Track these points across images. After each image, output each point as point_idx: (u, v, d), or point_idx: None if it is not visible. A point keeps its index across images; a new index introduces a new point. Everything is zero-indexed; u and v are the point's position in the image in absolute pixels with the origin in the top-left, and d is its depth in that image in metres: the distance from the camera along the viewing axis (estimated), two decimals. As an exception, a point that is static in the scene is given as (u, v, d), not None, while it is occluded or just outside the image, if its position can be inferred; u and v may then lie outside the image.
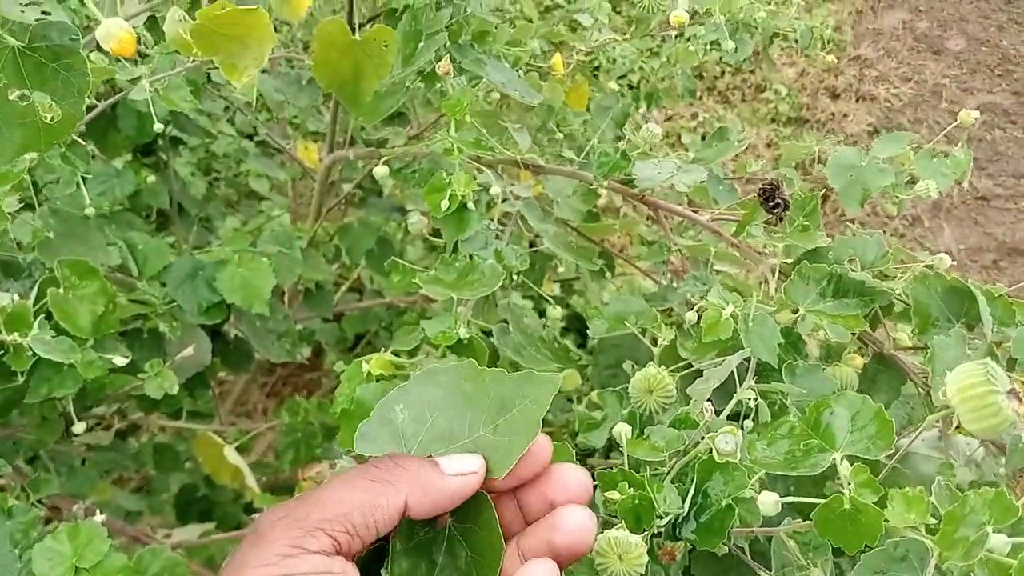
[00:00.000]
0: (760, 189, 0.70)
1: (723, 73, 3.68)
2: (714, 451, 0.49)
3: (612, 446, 0.82)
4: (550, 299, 0.90)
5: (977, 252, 3.32)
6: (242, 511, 1.29)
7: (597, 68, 3.00)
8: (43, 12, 0.58)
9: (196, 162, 2.41)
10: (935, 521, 0.41)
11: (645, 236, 1.37)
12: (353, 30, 1.09)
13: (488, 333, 0.82)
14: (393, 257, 1.65)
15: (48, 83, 0.49)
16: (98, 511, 0.82)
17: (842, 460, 0.44)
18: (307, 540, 0.39)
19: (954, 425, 0.45)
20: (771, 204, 0.69)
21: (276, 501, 1.14)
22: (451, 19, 0.85)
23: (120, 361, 0.84)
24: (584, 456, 0.91)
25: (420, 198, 1.67)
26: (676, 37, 1.50)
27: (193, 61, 1.02)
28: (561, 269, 1.33)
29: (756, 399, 0.57)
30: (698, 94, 3.73)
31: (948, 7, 4.28)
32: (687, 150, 1.47)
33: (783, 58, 3.76)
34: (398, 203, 1.77)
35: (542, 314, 2.28)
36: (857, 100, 3.73)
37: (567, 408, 0.94)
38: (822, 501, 0.43)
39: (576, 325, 2.39)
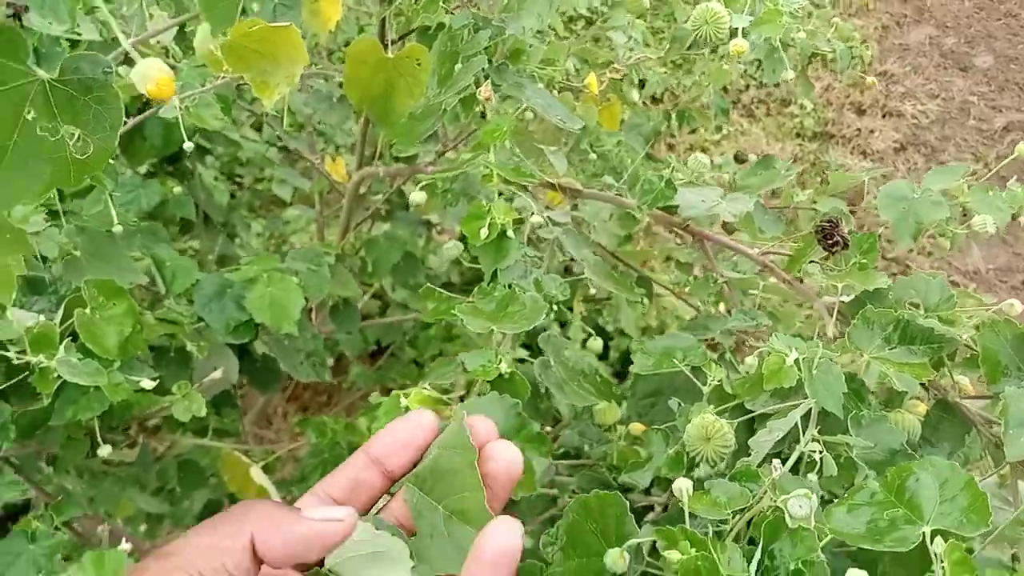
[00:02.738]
0: (818, 226, 0.67)
1: (748, 87, 3.65)
2: (786, 515, 0.46)
3: (652, 483, 0.79)
4: (588, 329, 0.87)
5: (1006, 272, 3.27)
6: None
7: (621, 81, 2.97)
8: (74, 32, 0.56)
9: (219, 167, 2.40)
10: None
11: (676, 255, 1.34)
12: (385, 47, 1.07)
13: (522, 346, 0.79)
14: (419, 278, 1.62)
15: (79, 117, 0.46)
16: (123, 538, 0.80)
17: (932, 535, 0.40)
18: None
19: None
20: (830, 242, 0.66)
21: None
22: (489, 41, 0.83)
23: (148, 384, 0.82)
24: (623, 491, 0.88)
25: (447, 213, 1.64)
26: (709, 53, 1.48)
27: (223, 78, 1.00)
28: (592, 290, 1.30)
29: (821, 452, 0.54)
30: (721, 107, 3.70)
31: (975, 23, 4.23)
32: (720, 168, 1.44)
33: (809, 72, 3.72)
34: (425, 217, 1.75)
35: (562, 325, 2.25)
36: (884, 116, 3.69)
37: (604, 439, 0.91)
38: (909, 579, 0.40)
39: (603, 337, 2.36)
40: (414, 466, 0.45)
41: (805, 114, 3.49)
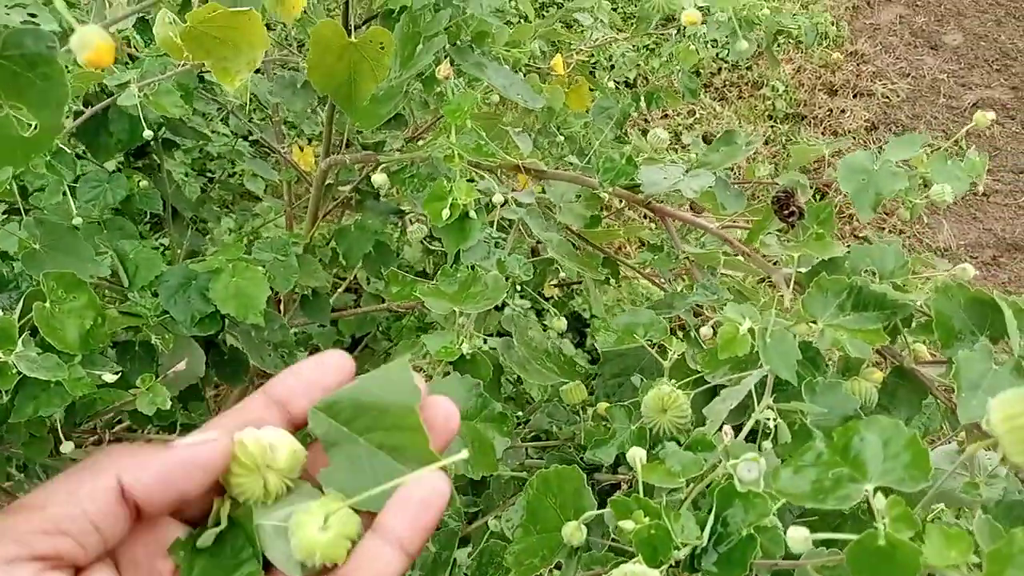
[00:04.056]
0: (774, 197, 0.68)
1: (720, 70, 3.65)
2: (735, 479, 0.46)
3: (619, 461, 0.79)
4: (554, 311, 0.88)
5: (976, 248, 3.30)
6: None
7: (594, 67, 2.97)
8: (29, 15, 0.55)
9: (190, 162, 2.38)
10: (977, 560, 0.39)
11: (647, 238, 1.35)
12: (349, 32, 1.06)
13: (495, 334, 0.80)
14: (392, 267, 1.62)
15: (24, 94, 0.46)
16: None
17: (875, 492, 0.41)
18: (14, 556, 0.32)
19: (999, 456, 0.42)
20: (786, 212, 0.67)
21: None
22: (450, 21, 0.82)
23: (109, 378, 0.81)
24: (591, 470, 0.88)
25: (419, 201, 1.64)
26: (676, 35, 1.48)
27: (184, 65, 0.99)
28: (563, 273, 1.30)
29: (776, 419, 0.54)
30: (695, 91, 3.70)
31: (945, 2, 4.26)
32: (687, 149, 1.44)
33: (780, 55, 3.73)
34: (396, 206, 1.74)
35: (540, 313, 2.25)
36: (855, 96, 3.71)
37: (572, 420, 0.91)
38: (854, 537, 0.40)
39: (576, 324, 2.36)
40: None
41: (777, 96, 3.51)
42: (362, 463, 0.36)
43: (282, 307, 1.45)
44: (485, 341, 0.82)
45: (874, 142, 3.54)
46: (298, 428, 0.38)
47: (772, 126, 3.53)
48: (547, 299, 1.84)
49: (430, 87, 0.87)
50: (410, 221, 1.65)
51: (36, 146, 0.47)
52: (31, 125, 0.47)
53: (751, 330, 0.58)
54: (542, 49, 1.26)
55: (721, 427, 0.54)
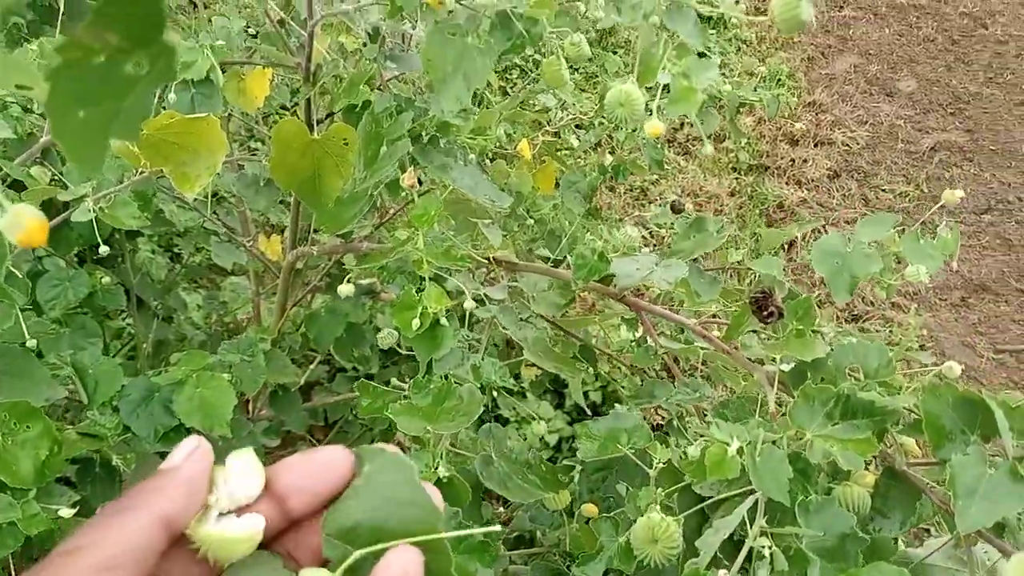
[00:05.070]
0: (752, 298, 0.66)
1: (682, 125, 3.70)
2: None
3: (608, 573, 0.76)
4: (539, 417, 0.85)
5: (945, 290, 3.34)
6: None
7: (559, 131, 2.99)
8: None
9: (156, 239, 2.33)
10: None
11: (624, 315, 1.33)
12: (311, 127, 1.04)
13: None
14: (363, 350, 1.58)
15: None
16: None
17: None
18: None
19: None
20: (765, 313, 0.65)
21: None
22: (413, 123, 0.81)
23: (66, 512, 0.76)
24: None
25: (389, 287, 1.61)
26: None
27: (141, 172, 0.97)
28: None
29: (771, 547, 0.52)
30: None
31: (897, 49, 4.38)
32: (657, 221, 1.44)
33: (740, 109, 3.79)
34: (367, 286, 1.71)
35: (517, 377, 2.21)
36: (816, 145, 3.78)
37: (557, 523, 0.88)
38: None
39: (554, 386, 2.33)
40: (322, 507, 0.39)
41: (740, 148, 3.56)
42: None
43: (250, 404, 1.40)
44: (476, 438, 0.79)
45: (837, 190, 3.59)
46: (293, 523, 0.39)
47: (736, 178, 3.57)
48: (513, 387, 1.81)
49: (395, 191, 0.85)
50: (383, 292, 1.63)
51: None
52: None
53: (740, 449, 0.56)
54: (507, 132, 1.26)
55: (715, 560, 0.51)
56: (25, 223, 0.36)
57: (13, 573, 0.80)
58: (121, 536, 0.36)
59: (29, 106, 1.26)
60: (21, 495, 0.74)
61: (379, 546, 0.36)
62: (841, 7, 4.66)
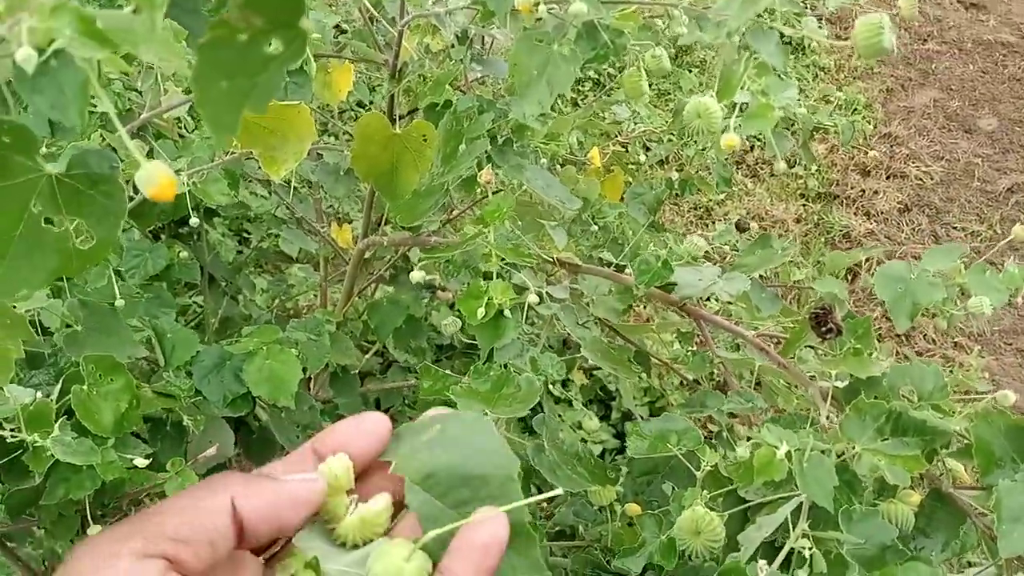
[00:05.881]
0: (812, 313, 0.68)
1: (752, 148, 3.68)
2: (772, 622, 0.45)
3: (647, 569, 0.78)
4: (590, 414, 0.87)
5: (1011, 335, 3.25)
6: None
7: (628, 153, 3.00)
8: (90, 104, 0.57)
9: (228, 222, 2.42)
10: None
11: (680, 327, 1.34)
12: (393, 122, 1.09)
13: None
14: (421, 342, 1.62)
15: (84, 209, 0.47)
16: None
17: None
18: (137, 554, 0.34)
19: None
20: (824, 329, 0.67)
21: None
22: (493, 123, 0.84)
23: (141, 462, 0.81)
24: (618, 576, 0.87)
25: (453, 280, 1.65)
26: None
27: (232, 153, 1.03)
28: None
29: (811, 548, 0.53)
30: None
31: (980, 87, 4.29)
32: (721, 239, 1.46)
33: (813, 136, 3.75)
34: (428, 281, 1.75)
35: (565, 384, 2.24)
36: (888, 177, 3.71)
37: (599, 519, 0.90)
38: None
39: (602, 396, 2.34)
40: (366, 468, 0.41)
41: (809, 175, 3.52)
42: None
43: (311, 383, 1.45)
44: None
45: (907, 224, 3.53)
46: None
47: (804, 204, 3.53)
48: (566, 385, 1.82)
49: (471, 188, 0.89)
50: (442, 290, 1.67)
51: (92, 258, 0.48)
52: (89, 239, 0.48)
53: (788, 454, 0.58)
54: (579, 140, 1.29)
55: (755, 556, 0.53)
56: (158, 179, 0.40)
57: (89, 520, 0.85)
58: (196, 512, 0.37)
59: (131, 84, 1.34)
60: (101, 442, 0.79)
61: (459, 524, 0.36)
62: (925, 40, 4.58)
